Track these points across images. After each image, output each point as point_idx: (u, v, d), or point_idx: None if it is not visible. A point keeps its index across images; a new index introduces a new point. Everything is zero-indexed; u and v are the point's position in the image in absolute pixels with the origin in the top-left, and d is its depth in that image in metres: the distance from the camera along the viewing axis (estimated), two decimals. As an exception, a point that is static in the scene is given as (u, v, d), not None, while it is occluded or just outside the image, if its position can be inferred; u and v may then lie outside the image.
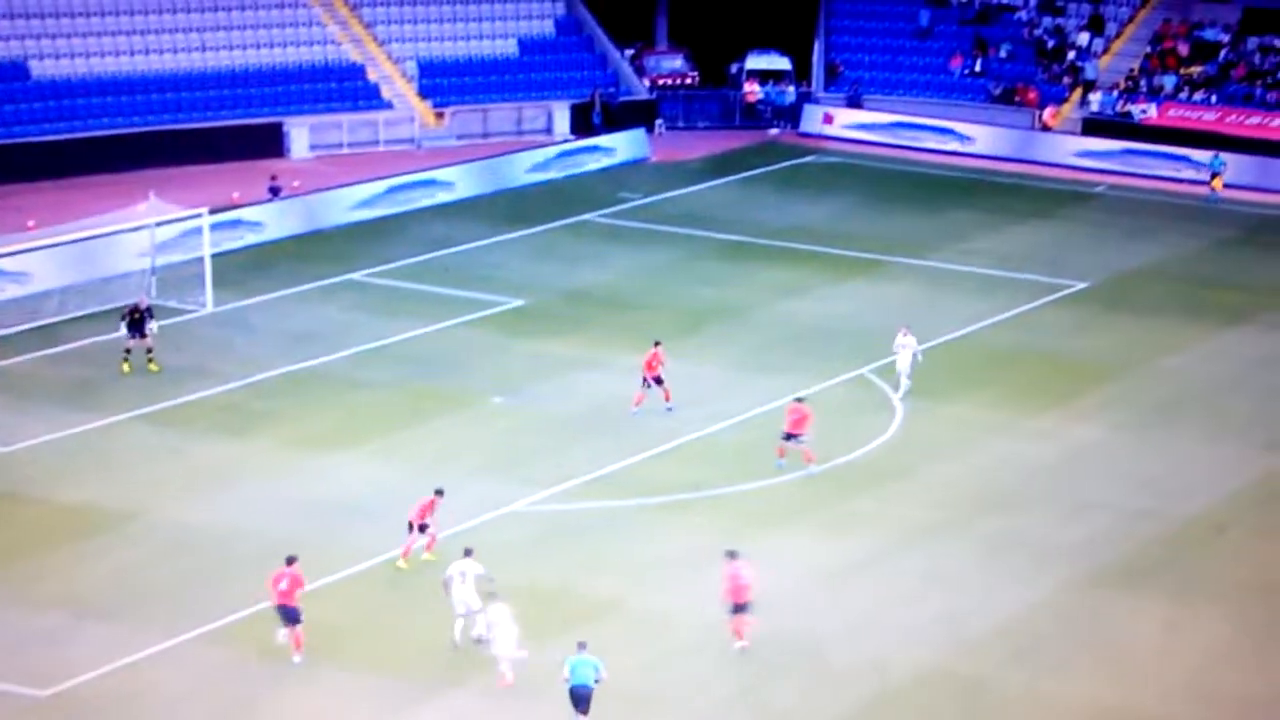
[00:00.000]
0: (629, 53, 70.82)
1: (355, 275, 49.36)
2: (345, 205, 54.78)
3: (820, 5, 72.07)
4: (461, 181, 58.12)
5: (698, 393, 39.94)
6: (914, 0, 72.01)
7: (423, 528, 32.01)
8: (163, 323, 42.27)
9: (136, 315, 41.12)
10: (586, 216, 56.12)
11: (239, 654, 29.07)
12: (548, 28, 69.43)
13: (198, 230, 46.65)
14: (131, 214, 46.21)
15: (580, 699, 26.79)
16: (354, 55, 65.37)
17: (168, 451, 36.98)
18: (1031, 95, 67.58)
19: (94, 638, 29.34)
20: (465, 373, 41.98)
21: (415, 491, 33.77)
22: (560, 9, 69.93)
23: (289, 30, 64.92)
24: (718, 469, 36.70)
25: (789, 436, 36.67)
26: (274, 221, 52.66)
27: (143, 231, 46.78)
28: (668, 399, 39.47)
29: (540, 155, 61.44)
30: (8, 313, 43.89)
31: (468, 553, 29.79)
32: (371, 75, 65.02)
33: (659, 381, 39.36)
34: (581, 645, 27.21)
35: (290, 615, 28.75)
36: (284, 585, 28.80)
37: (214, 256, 46.42)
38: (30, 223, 47.80)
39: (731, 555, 29.71)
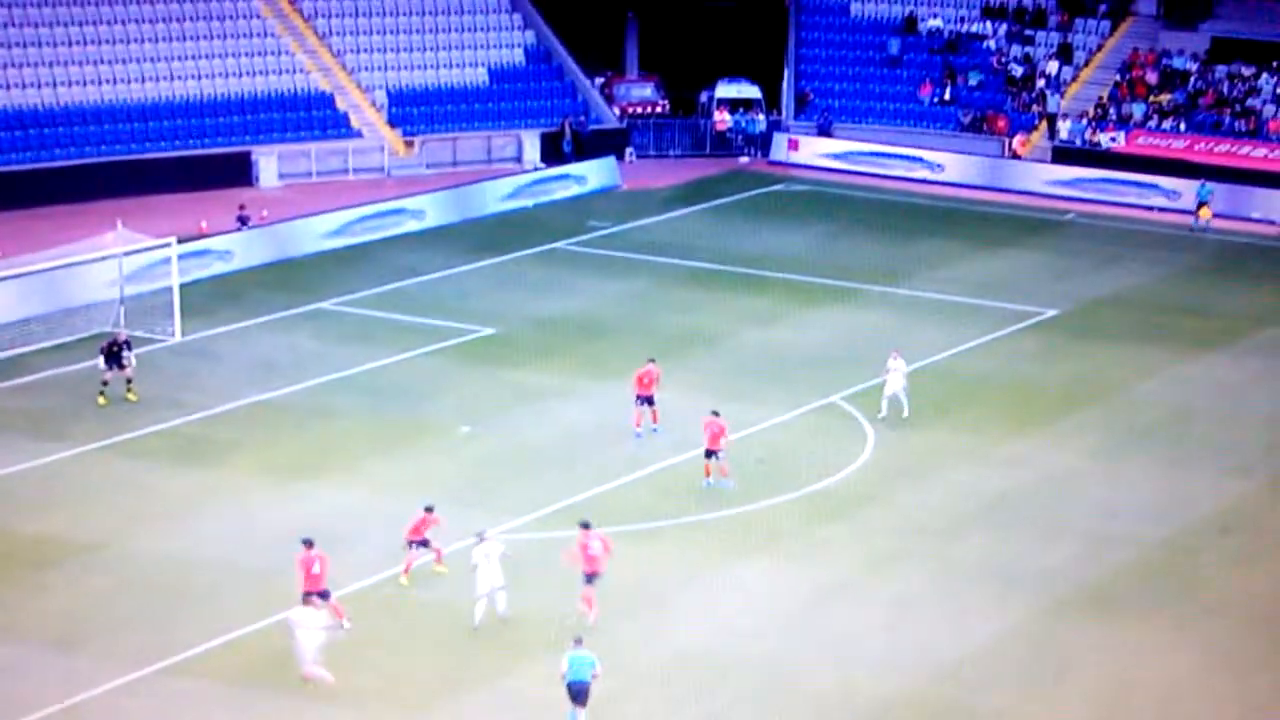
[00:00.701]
0: (599, 81, 70.90)
1: (324, 304, 49.18)
2: (314, 234, 54.61)
3: (790, 33, 72.29)
4: (431, 210, 58.01)
5: (668, 420, 39.70)
6: (883, 29, 72.30)
7: (423, 544, 32.20)
8: (133, 352, 41.94)
9: (115, 348, 40.87)
10: (556, 245, 56.03)
11: (206, 686, 28.80)
12: (518, 56, 69.44)
13: (166, 260, 46.48)
14: (99, 244, 46.02)
15: (578, 694, 27.17)
16: (323, 84, 65.24)
17: (134, 482, 36.67)
18: (1001, 123, 67.81)
19: (58, 670, 29.06)
20: (434, 402, 41.80)
21: (385, 520, 33.67)
22: (530, 38, 69.95)
23: (257, 59, 64.77)
24: (688, 497, 36.55)
25: (709, 453, 36.65)
26: (243, 251, 52.46)
27: (110, 261, 46.56)
28: (655, 420, 39.42)
29: (510, 184, 61.39)
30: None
31: (481, 537, 30.69)
32: (340, 104, 64.90)
33: (649, 401, 39.32)
34: (578, 641, 27.50)
35: (325, 595, 29.70)
36: (317, 569, 29.78)
37: (182, 286, 46.26)
38: (-4, 252, 47.66)
39: (585, 526, 30.87)
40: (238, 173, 60.96)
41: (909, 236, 58.51)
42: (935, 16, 72.06)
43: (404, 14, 68.79)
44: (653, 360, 40.01)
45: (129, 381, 41.00)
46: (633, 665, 29.71)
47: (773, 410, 41.37)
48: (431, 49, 68.14)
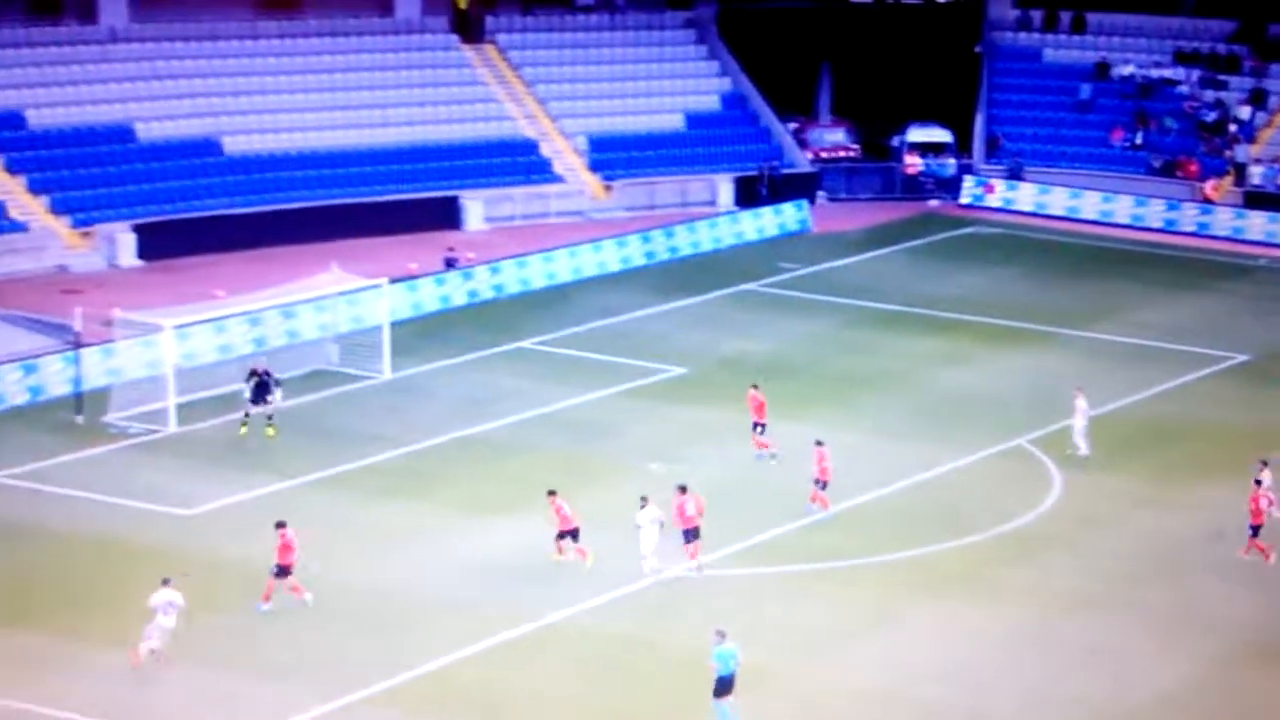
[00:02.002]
0: (792, 126, 71.97)
1: (525, 343, 50.63)
2: (517, 275, 56.34)
3: (982, 78, 72.75)
4: (628, 252, 59.53)
5: (851, 460, 40.17)
6: (1075, 73, 72.44)
7: (573, 534, 34.79)
8: (345, 389, 43.66)
9: (257, 379, 42.35)
10: (748, 286, 57.07)
11: (408, 715, 29.63)
12: (713, 102, 70.84)
13: (377, 299, 48.41)
14: (315, 283, 47.82)
15: (730, 686, 28.55)
16: (528, 131, 67.24)
17: (340, 515, 37.84)
18: (1192, 168, 67.60)
19: (268, 698, 29.90)
20: (627, 439, 42.98)
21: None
22: (726, 84, 71.33)
23: (466, 107, 66.98)
24: (872, 537, 37.20)
25: (824, 484, 37.88)
26: (449, 291, 54.40)
27: (325, 300, 48.69)
28: (761, 448, 41.01)
29: (704, 226, 62.69)
30: (196, 378, 45.08)
31: (645, 501, 33.85)
32: (544, 150, 66.81)
33: (759, 428, 40.81)
34: (721, 635, 28.78)
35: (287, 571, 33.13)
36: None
37: (392, 325, 47.94)
38: (219, 292, 49.32)
39: (682, 489, 34.83)
40: (446, 216, 62.98)
41: (1099, 280, 58.65)
42: (1128, 63, 72.00)
43: (605, 63, 70.58)
44: (755, 386, 41.16)
45: (270, 417, 42.36)
46: (813, 703, 30.30)
47: (958, 452, 41.95)
48: (631, 95, 69.72)
